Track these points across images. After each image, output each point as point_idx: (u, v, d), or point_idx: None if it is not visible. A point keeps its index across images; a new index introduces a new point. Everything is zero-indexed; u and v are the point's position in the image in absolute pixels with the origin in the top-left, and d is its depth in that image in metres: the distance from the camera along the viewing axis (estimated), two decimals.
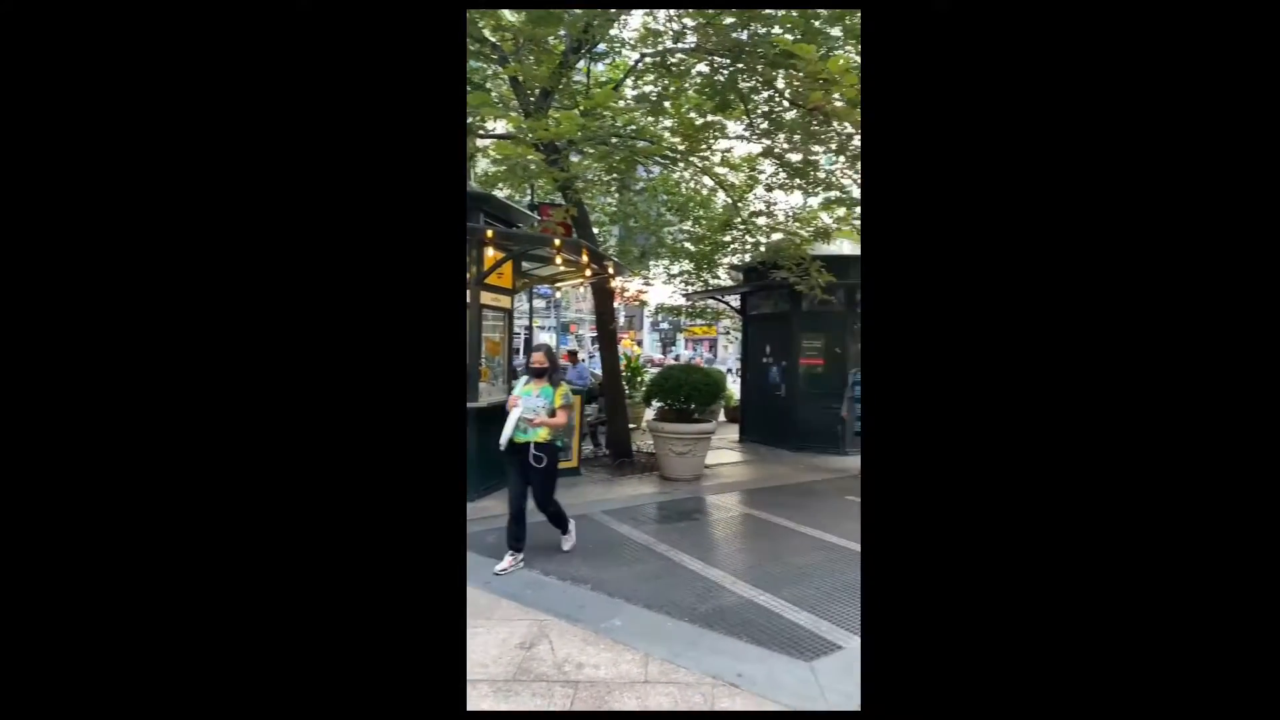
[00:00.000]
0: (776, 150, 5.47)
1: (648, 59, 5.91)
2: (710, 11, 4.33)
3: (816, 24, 4.54)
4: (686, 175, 8.53)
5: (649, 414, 6.55)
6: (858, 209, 6.07)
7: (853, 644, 2.69)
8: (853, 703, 2.21)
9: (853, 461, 6.38)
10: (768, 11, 4.25)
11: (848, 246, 7.39)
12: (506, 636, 2.64)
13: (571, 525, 3.83)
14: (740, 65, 4.58)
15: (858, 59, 4.33)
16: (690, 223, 9.31)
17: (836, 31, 4.67)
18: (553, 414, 3.46)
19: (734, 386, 10.11)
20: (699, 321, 15.59)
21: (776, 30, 4.30)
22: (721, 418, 9.69)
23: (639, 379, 9.94)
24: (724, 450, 7.71)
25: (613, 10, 4.93)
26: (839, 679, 2.37)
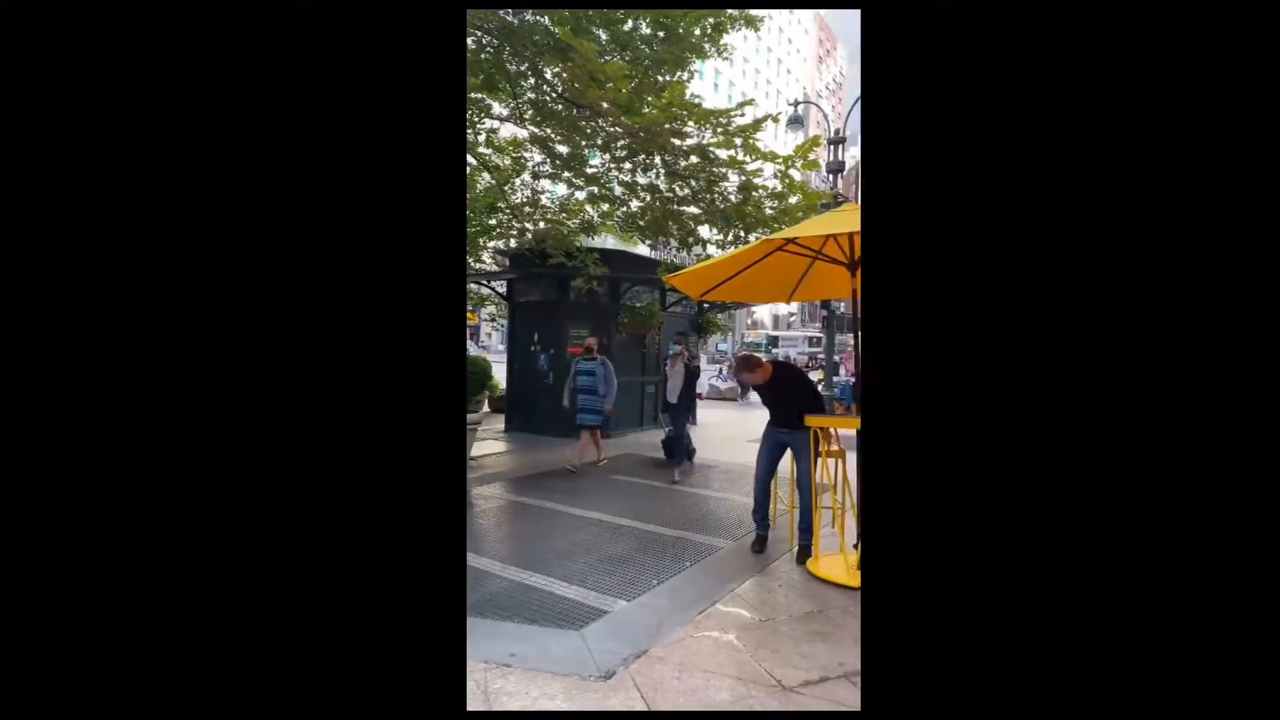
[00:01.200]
0: (544, 138, 5.53)
1: None
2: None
3: (584, 22, 4.70)
4: None
5: None
6: (621, 206, 6.48)
7: (618, 607, 2.91)
8: (617, 658, 2.41)
9: (610, 444, 6.82)
10: (549, 10, 4.27)
11: (612, 241, 7.84)
12: None
13: None
14: (509, 47, 4.51)
15: (623, 64, 4.62)
16: None
17: (604, 34, 4.90)
18: None
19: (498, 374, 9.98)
20: None
21: (545, 21, 4.34)
22: (486, 408, 9.49)
23: None
24: (490, 441, 7.58)
25: None
26: (606, 640, 2.55)
